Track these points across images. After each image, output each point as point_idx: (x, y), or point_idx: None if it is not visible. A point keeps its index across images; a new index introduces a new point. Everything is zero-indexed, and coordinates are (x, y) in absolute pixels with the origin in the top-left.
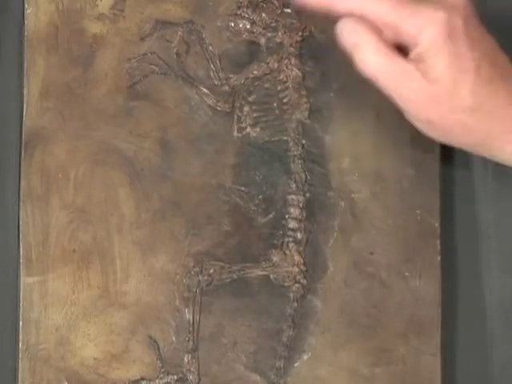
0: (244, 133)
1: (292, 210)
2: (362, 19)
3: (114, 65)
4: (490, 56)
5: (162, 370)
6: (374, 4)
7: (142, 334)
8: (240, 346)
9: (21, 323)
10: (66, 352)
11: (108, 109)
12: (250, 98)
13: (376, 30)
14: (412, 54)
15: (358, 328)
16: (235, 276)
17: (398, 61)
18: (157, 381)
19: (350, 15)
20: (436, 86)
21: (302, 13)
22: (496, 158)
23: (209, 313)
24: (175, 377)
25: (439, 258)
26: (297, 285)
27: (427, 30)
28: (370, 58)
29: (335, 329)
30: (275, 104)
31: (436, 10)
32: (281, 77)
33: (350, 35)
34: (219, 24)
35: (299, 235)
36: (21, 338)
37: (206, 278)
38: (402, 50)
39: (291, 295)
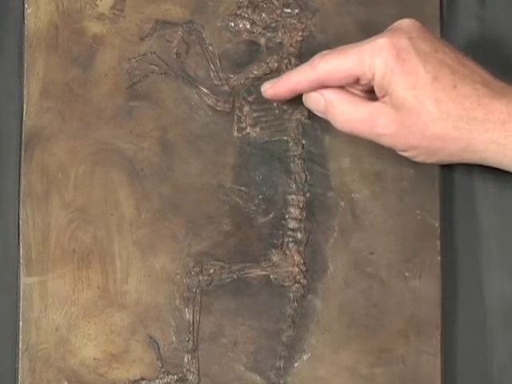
0: (244, 133)
1: (292, 210)
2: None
3: (114, 65)
4: (449, 64)
5: (162, 370)
6: (325, 63)
7: (142, 334)
8: (240, 346)
9: (21, 323)
10: (65, 352)
11: (108, 109)
12: (250, 98)
13: (338, 88)
14: (376, 92)
15: (358, 328)
16: (235, 276)
17: (365, 105)
18: (157, 381)
19: (314, 86)
20: (402, 110)
21: (302, 13)
22: (487, 161)
23: (209, 313)
24: (175, 377)
25: (439, 258)
26: (297, 285)
27: (376, 59)
28: (339, 111)
29: (335, 329)
30: (275, 104)
31: (378, 39)
32: None
33: (316, 101)
34: (219, 24)
35: (299, 235)
36: (21, 337)
37: (205, 277)
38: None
39: (291, 295)
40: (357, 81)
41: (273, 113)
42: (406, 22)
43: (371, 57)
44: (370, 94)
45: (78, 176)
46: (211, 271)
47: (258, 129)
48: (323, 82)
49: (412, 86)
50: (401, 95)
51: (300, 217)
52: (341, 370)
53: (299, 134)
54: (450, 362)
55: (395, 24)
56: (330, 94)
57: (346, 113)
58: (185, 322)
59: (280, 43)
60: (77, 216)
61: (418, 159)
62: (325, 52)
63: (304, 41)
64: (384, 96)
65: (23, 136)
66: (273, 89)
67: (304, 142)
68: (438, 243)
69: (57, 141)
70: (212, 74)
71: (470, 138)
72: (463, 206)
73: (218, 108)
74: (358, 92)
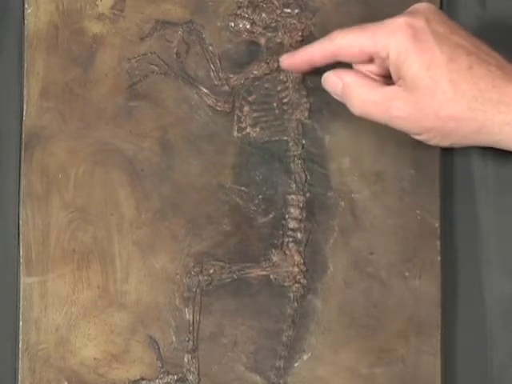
0: (244, 133)
1: (292, 210)
2: (342, 69)
3: (114, 65)
4: (464, 46)
5: (162, 370)
6: (342, 38)
7: (142, 334)
8: (240, 346)
9: (21, 323)
10: (65, 352)
11: (108, 109)
12: (250, 98)
13: (356, 71)
14: (392, 74)
15: (357, 328)
16: (235, 276)
17: (380, 88)
18: (157, 381)
19: (329, 59)
20: (417, 91)
21: (302, 13)
22: (501, 143)
23: (209, 313)
24: (175, 377)
25: (439, 258)
26: (297, 285)
27: (392, 38)
28: (356, 94)
29: (335, 329)
30: (275, 104)
31: (396, 19)
32: (281, 77)
33: (335, 84)
34: (219, 24)
35: (299, 235)
36: (21, 337)
37: (206, 277)
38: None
39: (291, 295)
40: (371, 60)
41: (273, 113)
42: (423, 5)
43: (387, 36)
44: (388, 79)
45: (78, 176)
46: (211, 271)
47: (257, 129)
48: (337, 55)
49: (427, 67)
50: (416, 75)
51: (300, 217)
52: (341, 370)
53: (299, 134)
54: (449, 362)
55: (412, 7)
56: (348, 78)
57: (362, 95)
58: (185, 322)
59: (280, 43)
60: (77, 216)
61: (432, 142)
62: (344, 28)
63: (304, 41)
64: (399, 79)
65: (23, 136)
66: (289, 59)
67: (304, 141)
68: (438, 243)
69: (57, 141)
70: (212, 73)
71: (485, 120)
72: (463, 206)
73: (218, 108)
74: (375, 77)
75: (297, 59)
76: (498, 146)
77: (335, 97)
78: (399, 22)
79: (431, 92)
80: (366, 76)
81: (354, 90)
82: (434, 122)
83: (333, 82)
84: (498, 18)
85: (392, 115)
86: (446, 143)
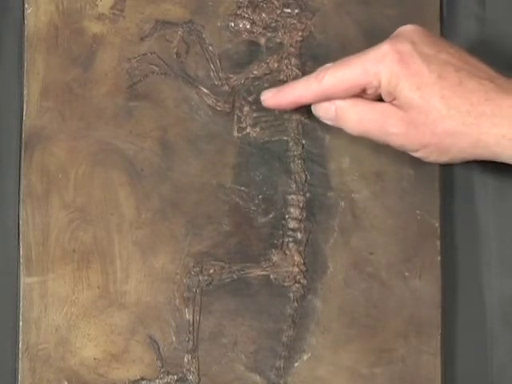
0: (244, 133)
1: (292, 210)
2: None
3: (114, 65)
4: (453, 63)
5: (162, 370)
6: (330, 76)
7: (142, 334)
8: (240, 346)
9: (21, 323)
10: (65, 352)
11: (108, 109)
12: (250, 98)
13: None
14: (384, 99)
15: (358, 328)
16: (235, 276)
17: (375, 105)
18: (157, 381)
19: (320, 99)
20: (411, 111)
21: (302, 13)
22: (499, 156)
23: (209, 313)
24: (175, 377)
25: (439, 258)
26: (297, 285)
27: (381, 64)
28: (350, 114)
29: (335, 329)
30: None
31: (380, 46)
32: (281, 77)
33: (327, 108)
34: (219, 24)
35: (299, 235)
36: (21, 337)
37: (206, 277)
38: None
39: (291, 295)
40: (363, 91)
41: (273, 113)
42: (408, 28)
43: (375, 64)
44: (379, 101)
45: (78, 176)
46: (211, 271)
47: (258, 129)
48: (329, 94)
49: (417, 87)
50: (407, 96)
51: (300, 217)
52: (341, 370)
53: (299, 134)
54: (450, 362)
55: (397, 31)
56: (341, 101)
57: (359, 114)
58: (185, 322)
59: (280, 43)
60: (77, 216)
61: (431, 159)
62: (328, 65)
63: (304, 41)
64: (393, 100)
65: (23, 136)
66: (274, 99)
67: (304, 141)
68: (438, 243)
69: (57, 141)
70: (212, 73)
71: (480, 133)
72: (463, 206)
73: (218, 108)
74: (367, 97)
75: (282, 101)
76: (497, 159)
77: (327, 122)
78: (385, 48)
79: (425, 110)
80: (358, 96)
81: (349, 111)
82: (431, 138)
83: (325, 107)
84: (498, 18)
85: (388, 131)
86: (443, 159)
